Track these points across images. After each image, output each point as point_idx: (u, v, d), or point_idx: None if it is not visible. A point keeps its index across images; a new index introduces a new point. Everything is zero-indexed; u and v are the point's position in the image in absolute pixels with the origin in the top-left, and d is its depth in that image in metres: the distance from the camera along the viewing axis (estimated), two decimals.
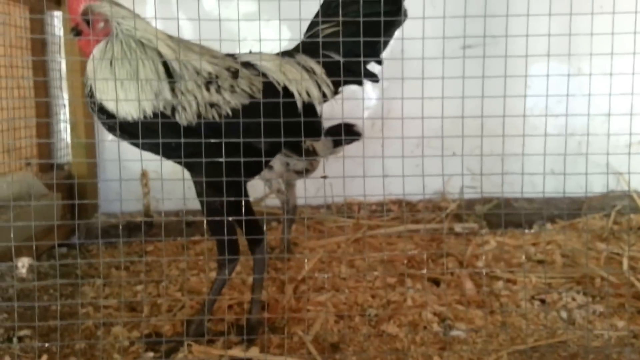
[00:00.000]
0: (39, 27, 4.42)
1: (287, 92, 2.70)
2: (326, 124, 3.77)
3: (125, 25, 2.47)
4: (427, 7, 2.61)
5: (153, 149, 2.56)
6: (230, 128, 2.49)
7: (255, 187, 4.36)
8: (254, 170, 2.73)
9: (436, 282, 3.58)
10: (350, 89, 3.77)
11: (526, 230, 4.57)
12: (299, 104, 2.71)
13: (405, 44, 2.71)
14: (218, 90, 2.50)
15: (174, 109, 2.45)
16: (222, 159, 2.42)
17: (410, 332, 2.91)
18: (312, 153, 3.80)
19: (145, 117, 2.44)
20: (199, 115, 2.46)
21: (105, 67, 2.45)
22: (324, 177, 3.22)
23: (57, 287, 3.38)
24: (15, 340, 2.82)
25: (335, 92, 2.93)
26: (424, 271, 3.62)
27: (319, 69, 2.83)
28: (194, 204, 2.84)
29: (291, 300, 3.22)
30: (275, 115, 2.48)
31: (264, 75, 2.65)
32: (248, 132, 2.50)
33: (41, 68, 4.37)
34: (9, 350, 2.75)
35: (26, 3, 4.10)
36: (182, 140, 2.43)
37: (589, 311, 3.13)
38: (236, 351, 2.72)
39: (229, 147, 2.44)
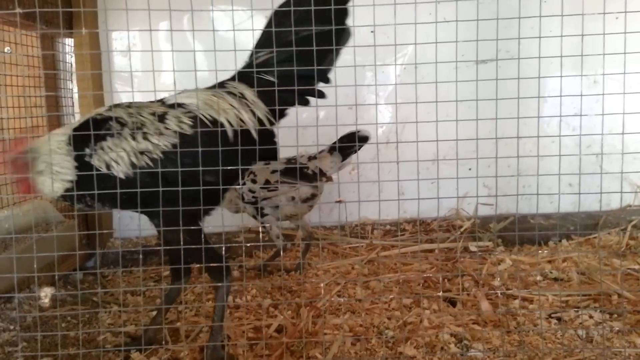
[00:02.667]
0: (50, 54, 4.45)
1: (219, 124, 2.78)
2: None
3: (44, 148, 2.60)
4: (432, 29, 2.63)
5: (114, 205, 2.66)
6: (168, 167, 2.61)
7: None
8: (210, 202, 2.77)
9: (452, 302, 3.57)
10: (367, 115, 3.80)
11: (541, 248, 4.55)
12: (230, 133, 2.76)
13: (418, 56, 2.73)
14: (145, 137, 2.60)
15: (108, 166, 2.57)
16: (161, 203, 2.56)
17: (428, 354, 2.91)
18: (320, 175, 3.85)
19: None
20: (133, 165, 2.57)
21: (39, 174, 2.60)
22: (339, 201, 3.24)
23: (79, 316, 3.40)
24: None
25: (282, 114, 3.02)
26: (440, 293, 3.61)
27: (250, 94, 2.91)
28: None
29: (308, 323, 3.22)
30: (214, 146, 2.60)
31: (191, 112, 2.73)
32: (187, 168, 2.61)
33: (53, 94, 4.38)
34: None
35: (38, 33, 4.11)
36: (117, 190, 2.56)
37: (607, 329, 3.12)
38: None
39: (179, 186, 2.57)
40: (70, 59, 4.56)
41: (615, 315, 3.29)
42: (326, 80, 2.98)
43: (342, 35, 2.88)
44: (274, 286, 3.91)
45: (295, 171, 3.93)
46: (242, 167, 2.66)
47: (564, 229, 4.81)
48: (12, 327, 3.27)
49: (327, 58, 2.91)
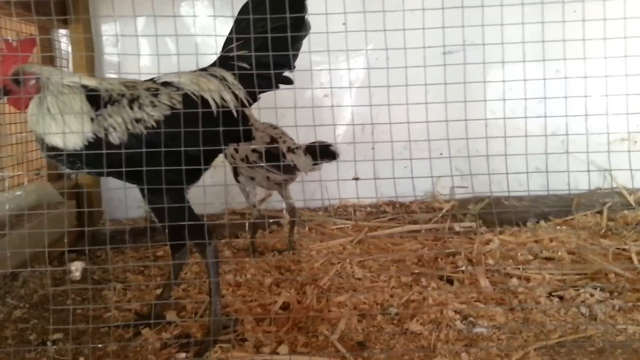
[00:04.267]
0: (47, 44, 4.58)
1: (205, 101, 2.92)
2: (308, 135, 3.86)
3: (54, 78, 2.69)
4: (408, 17, 2.71)
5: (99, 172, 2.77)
6: (159, 138, 2.75)
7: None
8: (192, 176, 2.89)
9: (449, 281, 3.63)
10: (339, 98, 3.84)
11: (521, 228, 4.69)
12: (214, 108, 2.92)
13: (389, 53, 2.83)
14: (140, 107, 2.74)
15: (106, 131, 2.69)
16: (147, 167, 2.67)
17: (435, 330, 2.95)
18: (293, 168, 3.96)
19: (88, 142, 2.68)
20: (129, 132, 2.71)
21: (45, 114, 2.66)
22: (356, 179, 3.29)
23: (113, 289, 3.44)
24: (49, 343, 2.89)
25: (254, 97, 3.19)
26: (446, 270, 3.71)
27: (230, 77, 3.07)
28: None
29: (313, 301, 3.27)
30: (198, 122, 2.72)
31: (181, 89, 2.88)
32: (176, 140, 2.72)
33: None
34: (44, 353, 2.83)
35: (36, 22, 4.22)
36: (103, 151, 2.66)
37: (609, 306, 3.17)
38: (266, 351, 2.77)
39: (167, 157, 2.71)
40: (67, 47, 4.69)
41: (615, 294, 3.35)
42: (291, 67, 3.15)
43: (302, 27, 3.09)
44: (271, 265, 3.98)
45: (273, 157, 3.99)
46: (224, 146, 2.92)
47: (539, 211, 4.92)
48: (22, 305, 3.34)
49: (292, 46, 3.07)
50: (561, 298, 3.33)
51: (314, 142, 4.04)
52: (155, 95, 2.81)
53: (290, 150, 4.03)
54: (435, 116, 2.83)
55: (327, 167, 4.06)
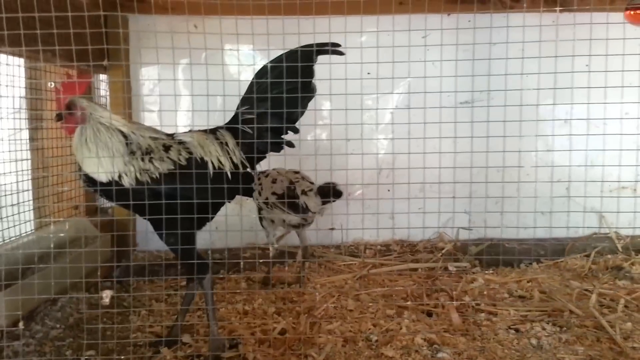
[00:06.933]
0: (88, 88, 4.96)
1: (205, 162, 3.48)
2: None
3: (96, 114, 3.30)
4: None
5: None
6: (164, 189, 3.31)
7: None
8: (199, 222, 3.46)
9: (429, 314, 4.13)
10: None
11: (513, 270, 5.15)
12: (210, 170, 3.46)
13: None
14: (150, 160, 3.30)
15: (120, 176, 3.26)
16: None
17: (404, 354, 3.49)
18: (305, 209, 4.39)
19: (114, 180, 3.25)
20: (137, 180, 3.26)
21: (82, 146, 3.27)
22: (332, 229, 3.78)
23: (138, 314, 3.96)
24: (83, 359, 3.44)
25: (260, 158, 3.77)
26: (430, 305, 4.22)
27: (232, 142, 3.62)
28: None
29: (306, 328, 3.81)
30: (201, 178, 3.34)
31: (187, 149, 3.44)
32: (178, 193, 3.32)
33: None
34: None
35: (75, 68, 4.57)
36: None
37: (556, 339, 3.69)
38: None
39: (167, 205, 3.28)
40: (105, 93, 5.19)
41: (565, 329, 3.85)
42: (295, 131, 3.69)
43: (308, 98, 3.61)
44: (277, 296, 4.50)
45: (289, 198, 4.40)
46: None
47: (536, 254, 5.42)
48: (58, 326, 3.84)
49: (296, 114, 3.66)
50: (517, 331, 3.84)
51: (322, 185, 4.43)
52: (167, 151, 3.35)
53: (303, 192, 4.42)
54: (451, 162, 3.40)
55: (341, 206, 4.51)
